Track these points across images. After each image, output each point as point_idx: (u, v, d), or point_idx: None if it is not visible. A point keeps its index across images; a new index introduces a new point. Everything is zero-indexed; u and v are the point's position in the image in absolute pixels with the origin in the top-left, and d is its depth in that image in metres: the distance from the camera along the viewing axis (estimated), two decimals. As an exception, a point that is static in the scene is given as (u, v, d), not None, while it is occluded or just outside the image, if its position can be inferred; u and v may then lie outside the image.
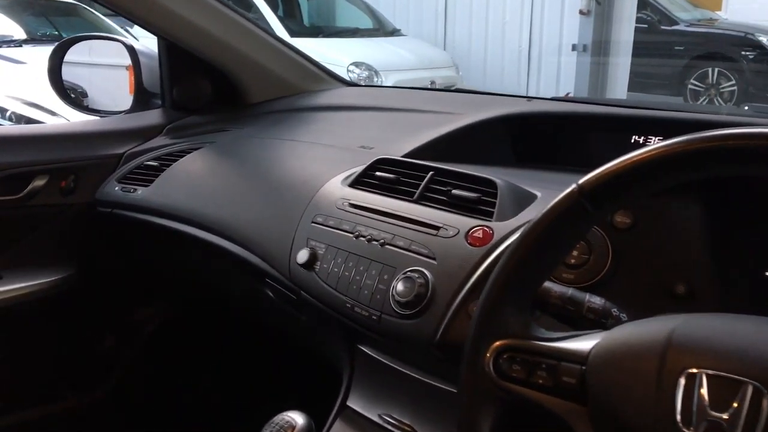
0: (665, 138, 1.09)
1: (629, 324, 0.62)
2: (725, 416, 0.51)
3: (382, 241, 0.98)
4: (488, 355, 0.64)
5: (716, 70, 7.24)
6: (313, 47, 6.27)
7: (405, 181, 1.06)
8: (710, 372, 0.52)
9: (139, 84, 1.56)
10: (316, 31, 7.04)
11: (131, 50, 1.54)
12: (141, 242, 1.48)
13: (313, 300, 1.04)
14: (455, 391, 0.92)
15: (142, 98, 1.57)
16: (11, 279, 1.35)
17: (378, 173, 1.09)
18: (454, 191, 0.99)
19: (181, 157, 1.40)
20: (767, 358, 0.52)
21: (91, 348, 1.58)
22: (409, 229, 0.97)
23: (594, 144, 1.20)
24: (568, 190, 0.62)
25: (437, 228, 0.95)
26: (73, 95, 1.76)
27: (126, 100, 1.59)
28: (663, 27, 7.74)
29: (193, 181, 1.33)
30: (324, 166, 1.19)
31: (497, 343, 0.65)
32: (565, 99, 1.43)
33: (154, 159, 1.42)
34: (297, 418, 0.80)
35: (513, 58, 7.59)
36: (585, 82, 6.94)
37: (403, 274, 0.93)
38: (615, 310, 0.71)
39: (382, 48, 6.51)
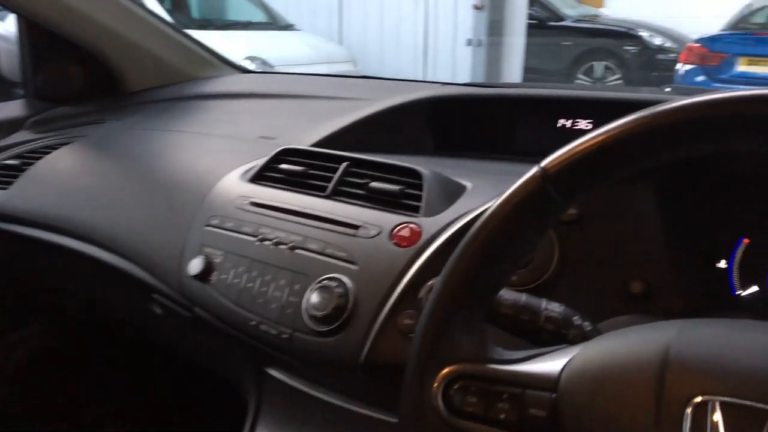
0: (594, 121, 0.99)
1: (608, 337, 0.50)
2: None
3: (291, 244, 0.83)
4: (435, 385, 0.51)
5: (602, 64, 7.48)
6: (202, 40, 6.01)
7: (315, 173, 0.91)
8: (724, 399, 0.41)
9: (-5, 71, 1.33)
10: (206, 23, 6.74)
11: (-18, 31, 1.31)
12: (1, 256, 1.26)
13: (210, 317, 0.88)
14: (385, 419, 0.79)
15: (-1, 87, 1.35)
16: None
17: (283, 166, 0.94)
18: (373, 184, 0.86)
19: (47, 154, 1.18)
20: None
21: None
22: (323, 229, 0.83)
23: (518, 129, 1.09)
24: (529, 174, 0.50)
25: (356, 227, 0.81)
26: None
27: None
28: (551, 23, 7.93)
29: (62, 182, 1.13)
30: (219, 160, 1.03)
31: (446, 369, 0.51)
32: (483, 84, 1.33)
33: (14, 157, 1.20)
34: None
35: (409, 53, 7.57)
36: (480, 76, 7.01)
37: (318, 283, 0.78)
38: (577, 318, 0.60)
39: (277, 42, 6.30)
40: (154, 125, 1.24)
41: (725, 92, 0.44)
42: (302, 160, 0.94)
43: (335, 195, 0.88)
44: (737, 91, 0.44)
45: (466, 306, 0.52)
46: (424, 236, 0.77)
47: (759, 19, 6.16)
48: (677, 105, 0.45)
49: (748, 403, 0.41)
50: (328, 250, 0.80)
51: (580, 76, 7.62)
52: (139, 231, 0.98)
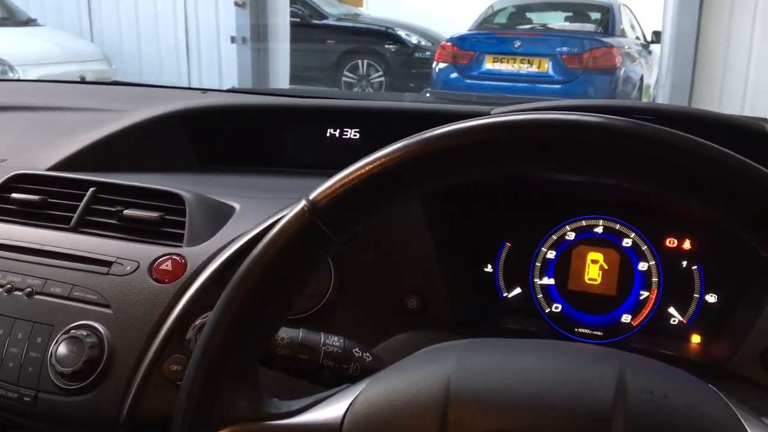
0: (361, 131, 0.98)
1: (389, 374, 0.47)
2: None
3: (28, 289, 0.71)
4: None
5: (365, 62, 7.73)
6: None
7: (56, 203, 0.79)
8: None
9: None
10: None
11: None
12: None
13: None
14: None
15: None
16: None
17: (15, 195, 0.80)
18: (127, 211, 0.76)
19: None
20: (570, 409, 0.41)
21: None
22: (68, 268, 0.72)
23: (287, 139, 1.05)
24: (296, 210, 0.45)
25: (108, 263, 0.71)
26: None
27: None
28: (314, 21, 8.03)
29: None
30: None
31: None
32: (247, 91, 1.27)
33: None
34: None
35: (170, 51, 7.23)
36: (248, 74, 6.90)
37: (65, 333, 0.67)
38: (356, 350, 0.56)
39: (16, 39, 5.65)
40: None
41: (478, 120, 0.43)
42: (40, 187, 0.81)
43: (82, 227, 0.77)
44: (492, 117, 0.43)
45: (237, 357, 0.46)
46: (190, 268, 0.70)
47: (500, 20, 6.74)
48: (441, 132, 0.43)
49: None
50: (76, 293, 0.70)
51: (346, 73, 7.81)
52: None
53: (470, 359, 0.46)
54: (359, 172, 0.44)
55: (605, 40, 5.85)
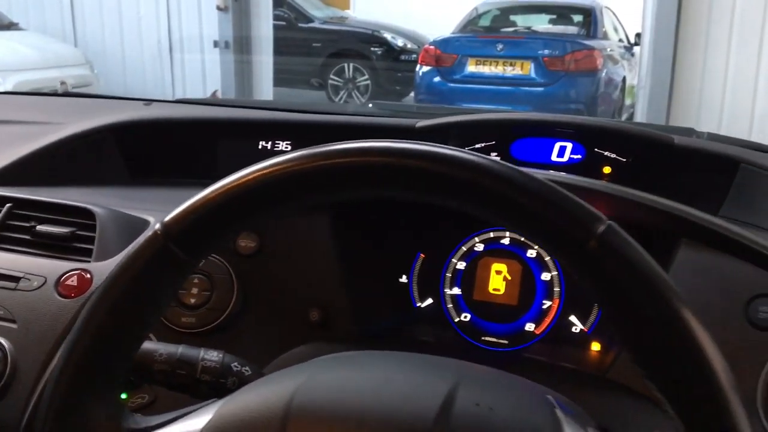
0: (294, 143, 1.00)
1: (247, 388, 0.49)
2: None
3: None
4: None
5: (351, 65, 7.73)
6: None
7: (22, 225, 0.80)
8: None
9: None
10: None
11: None
12: None
13: None
14: None
15: None
16: None
17: None
18: (40, 227, 0.78)
19: None
20: (394, 422, 0.43)
21: None
22: (-20, 286, 0.73)
23: (219, 152, 1.06)
24: (149, 233, 0.47)
25: (17, 279, 0.73)
26: None
27: None
28: (300, 24, 8.03)
29: None
30: None
31: None
32: (195, 101, 1.29)
33: None
34: None
35: (154, 55, 7.22)
36: (231, 79, 6.90)
37: None
38: (236, 364, 0.58)
39: (-4, 44, 5.65)
40: None
41: (326, 146, 0.44)
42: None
43: (-2, 242, 0.78)
44: (341, 144, 0.45)
45: (94, 375, 0.48)
46: (95, 283, 0.71)
47: (484, 22, 6.76)
48: (278, 160, 0.45)
49: None
50: (-12, 313, 0.71)
51: (333, 76, 7.81)
52: None
53: (320, 374, 0.47)
54: (207, 197, 0.46)
55: (587, 42, 5.89)
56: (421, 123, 0.97)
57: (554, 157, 0.95)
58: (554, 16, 6.74)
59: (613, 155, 0.92)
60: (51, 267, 0.73)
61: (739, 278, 0.63)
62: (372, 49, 7.92)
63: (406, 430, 0.42)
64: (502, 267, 0.80)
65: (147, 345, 0.58)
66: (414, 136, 0.96)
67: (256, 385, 0.49)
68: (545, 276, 0.80)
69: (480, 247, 0.82)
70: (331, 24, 8.44)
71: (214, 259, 0.73)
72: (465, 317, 0.82)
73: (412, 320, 0.83)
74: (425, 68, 6.30)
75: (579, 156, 0.93)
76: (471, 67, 5.99)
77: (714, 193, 0.86)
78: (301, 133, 1.00)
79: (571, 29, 6.43)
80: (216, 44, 6.75)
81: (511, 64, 5.83)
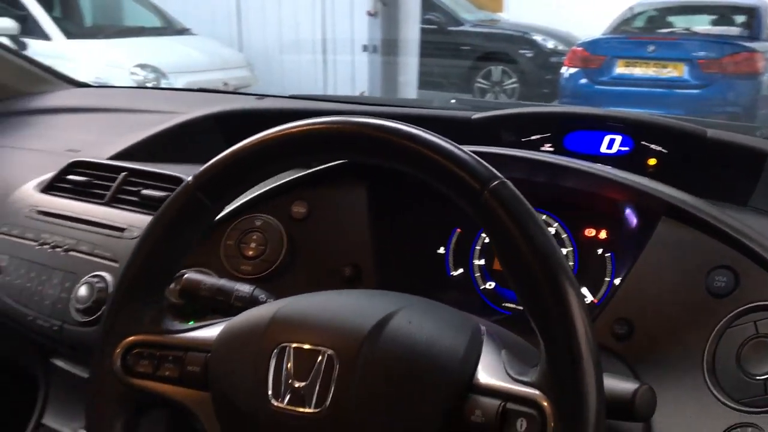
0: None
1: (253, 309, 0.64)
2: (304, 383, 0.54)
3: (65, 247, 0.94)
4: (117, 352, 0.63)
5: (499, 68, 7.73)
6: (92, 49, 5.92)
7: (98, 183, 1.02)
8: (295, 345, 0.55)
9: None
10: (96, 31, 6.63)
11: None
12: None
13: (-2, 316, 0.97)
14: None
15: None
16: None
17: (71, 177, 1.04)
18: (144, 191, 0.97)
19: None
20: (343, 328, 0.55)
21: None
22: (95, 233, 0.94)
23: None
24: (183, 185, 0.63)
25: (122, 230, 0.92)
26: None
27: None
28: (449, 28, 8.14)
29: None
30: (18, 172, 1.12)
31: (127, 340, 0.63)
32: (302, 97, 1.46)
33: None
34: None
35: (308, 58, 7.65)
36: (378, 81, 7.16)
37: (84, 280, 0.89)
38: (263, 296, 0.73)
39: (171, 48, 6.27)
40: (-29, 140, 1.31)
41: (302, 121, 0.58)
42: (89, 171, 1.04)
43: (113, 202, 0.99)
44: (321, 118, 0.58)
45: (143, 288, 0.64)
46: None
47: (638, 23, 6.54)
48: (284, 128, 0.59)
49: (309, 346, 0.55)
50: (96, 251, 0.91)
51: (479, 80, 7.86)
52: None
53: (303, 298, 0.61)
54: (225, 158, 0.61)
55: (747, 44, 5.53)
56: (477, 115, 1.06)
57: (603, 149, 1.01)
58: (715, 17, 6.37)
59: (658, 147, 0.97)
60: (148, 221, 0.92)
61: (704, 251, 0.69)
62: (521, 51, 7.85)
63: (346, 333, 0.54)
64: (521, 241, 0.89)
65: (197, 276, 0.74)
66: (469, 128, 1.06)
67: (258, 307, 0.63)
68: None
69: None
70: (480, 27, 8.45)
71: (271, 220, 0.88)
72: (489, 285, 0.91)
73: (443, 286, 0.94)
74: (571, 70, 6.20)
75: (627, 148, 0.99)
76: (619, 69, 5.82)
77: (744, 183, 0.90)
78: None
79: (733, 30, 6.06)
80: (365, 48, 7.04)
81: (663, 66, 5.60)
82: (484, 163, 0.53)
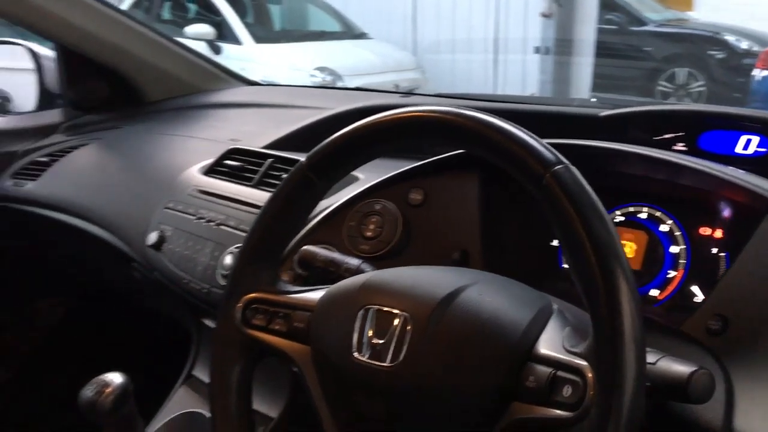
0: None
1: (353, 276, 0.71)
2: (381, 341, 0.60)
3: (217, 222, 1.07)
4: (239, 306, 0.74)
5: (685, 70, 7.31)
6: (278, 52, 6.38)
7: (249, 168, 1.15)
8: (377, 308, 0.62)
9: (41, 85, 1.65)
10: (282, 36, 7.12)
11: (32, 53, 1.63)
12: (33, 234, 1.57)
13: (162, 278, 1.13)
14: None
15: (44, 99, 1.66)
16: None
17: (228, 162, 1.18)
18: (284, 176, 1.08)
19: (68, 153, 1.49)
20: (418, 295, 0.61)
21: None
22: (242, 210, 1.07)
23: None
24: (297, 165, 0.72)
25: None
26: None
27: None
28: (632, 28, 7.81)
29: (75, 174, 1.42)
30: (188, 157, 1.29)
31: (247, 296, 0.74)
32: (445, 95, 1.53)
33: (45, 155, 1.51)
34: (115, 378, 0.88)
35: (480, 60, 7.70)
36: (548, 83, 7.05)
37: (230, 250, 1.02)
38: (368, 269, 0.80)
39: (348, 52, 6.59)
40: (155, 129, 1.51)
41: (400, 109, 0.65)
42: (242, 157, 1.18)
43: (260, 185, 1.11)
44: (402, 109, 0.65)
45: (263, 253, 0.74)
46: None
47: None
48: (378, 117, 0.66)
49: (386, 309, 0.61)
50: (241, 226, 1.04)
51: (662, 82, 7.48)
52: (121, 211, 1.26)
53: (394, 269, 0.68)
54: (334, 141, 0.70)
55: None
56: (606, 112, 1.07)
57: (739, 149, 0.99)
58: None
59: None
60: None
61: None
62: (710, 52, 7.36)
63: (420, 299, 0.60)
64: (630, 236, 0.89)
65: (314, 249, 0.84)
66: (597, 125, 1.07)
67: (356, 276, 0.71)
68: (674, 249, 0.87)
69: (619, 219, 0.92)
70: (666, 27, 8.01)
71: (389, 205, 0.96)
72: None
73: (553, 277, 0.96)
74: (764, 73, 5.74)
75: (764, 149, 0.96)
76: (822, 72, 5.30)
77: None
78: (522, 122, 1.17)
79: None
80: (537, 50, 6.96)
81: None
82: (551, 148, 0.56)
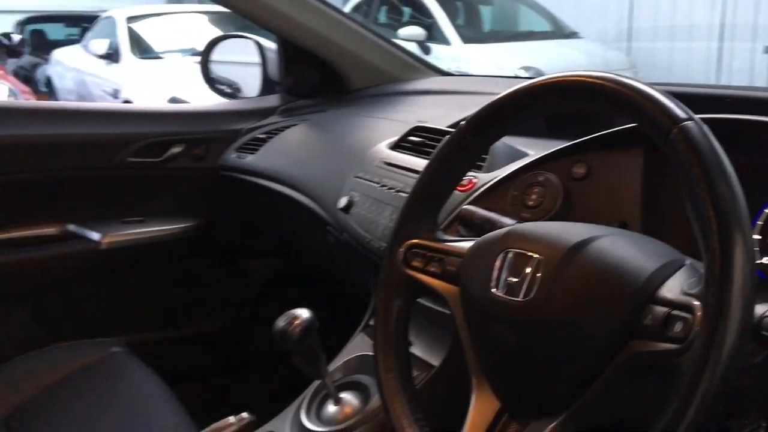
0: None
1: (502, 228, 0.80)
2: (516, 279, 0.68)
3: (396, 189, 1.20)
4: (401, 249, 0.85)
5: None
6: (484, 52, 6.48)
7: (429, 143, 1.27)
8: (515, 250, 0.70)
9: (265, 74, 1.90)
10: (489, 36, 7.21)
11: (258, 45, 1.89)
12: (250, 200, 1.82)
13: (349, 238, 1.28)
14: (445, 311, 1.12)
15: (267, 85, 1.91)
16: (152, 223, 1.75)
17: (411, 138, 1.31)
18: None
19: (282, 131, 1.71)
20: (553, 241, 0.68)
21: (208, 288, 1.95)
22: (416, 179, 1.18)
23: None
24: (457, 127, 0.81)
25: None
26: (229, 90, 2.13)
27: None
28: None
29: (286, 150, 1.64)
30: (379, 135, 1.43)
31: (409, 241, 0.85)
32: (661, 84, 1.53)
33: (264, 133, 1.75)
34: (303, 313, 1.04)
35: (701, 59, 7.22)
36: None
37: None
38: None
39: (555, 51, 6.53)
40: (356, 113, 1.68)
41: (547, 76, 0.72)
42: (424, 134, 1.30)
43: (437, 158, 1.22)
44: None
45: (424, 205, 0.85)
46: (477, 185, 1.09)
47: None
48: (532, 81, 0.74)
49: (525, 251, 0.69)
50: (413, 192, 1.16)
51: None
52: (321, 181, 1.43)
53: (539, 222, 0.75)
54: (485, 107, 0.78)
55: None
56: None
57: None
58: None
59: None
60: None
61: None
62: None
63: (554, 244, 0.67)
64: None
65: (473, 208, 0.93)
66: None
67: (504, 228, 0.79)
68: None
69: None
70: None
71: (552, 177, 1.02)
72: (765, 260, 0.91)
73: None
74: None
75: None
76: None
77: None
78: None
79: None
80: (766, 50, 6.40)
81: None
82: (681, 104, 0.60)
